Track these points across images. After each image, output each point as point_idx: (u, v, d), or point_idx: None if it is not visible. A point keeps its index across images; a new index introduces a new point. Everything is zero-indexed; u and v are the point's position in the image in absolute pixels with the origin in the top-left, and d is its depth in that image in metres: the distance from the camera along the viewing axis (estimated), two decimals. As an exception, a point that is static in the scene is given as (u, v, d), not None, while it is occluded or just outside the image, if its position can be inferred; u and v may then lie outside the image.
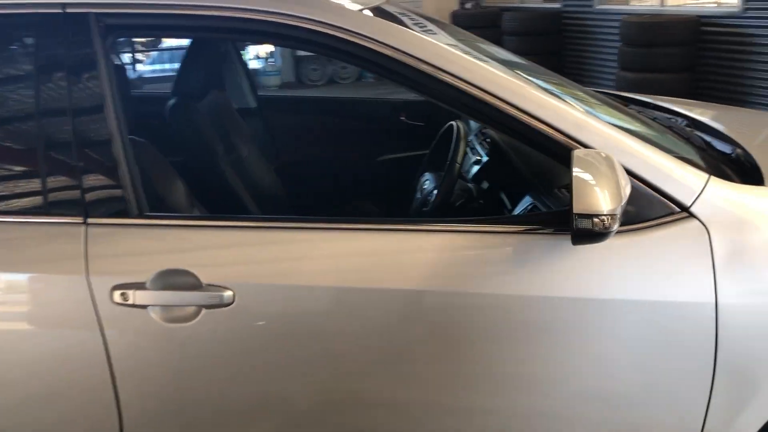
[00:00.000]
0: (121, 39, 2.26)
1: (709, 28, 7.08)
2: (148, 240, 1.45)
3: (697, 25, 7.06)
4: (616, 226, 1.26)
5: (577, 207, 1.25)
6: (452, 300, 1.42)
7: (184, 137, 2.29)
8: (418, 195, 1.92)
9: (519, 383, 1.47)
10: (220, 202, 2.09)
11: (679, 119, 2.19)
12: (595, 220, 1.24)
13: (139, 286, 1.40)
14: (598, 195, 1.25)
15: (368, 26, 1.48)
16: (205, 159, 2.26)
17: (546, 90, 1.56)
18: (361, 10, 1.61)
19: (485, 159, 2.06)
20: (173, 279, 1.40)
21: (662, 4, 7.72)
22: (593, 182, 1.26)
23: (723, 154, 1.84)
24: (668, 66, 6.97)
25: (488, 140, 2.15)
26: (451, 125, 2.08)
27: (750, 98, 6.78)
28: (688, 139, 1.87)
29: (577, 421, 1.50)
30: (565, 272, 1.42)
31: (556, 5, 9.08)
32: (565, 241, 1.40)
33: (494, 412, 1.50)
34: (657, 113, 2.22)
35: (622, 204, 1.27)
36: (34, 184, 1.46)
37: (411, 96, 2.85)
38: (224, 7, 1.47)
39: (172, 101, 2.31)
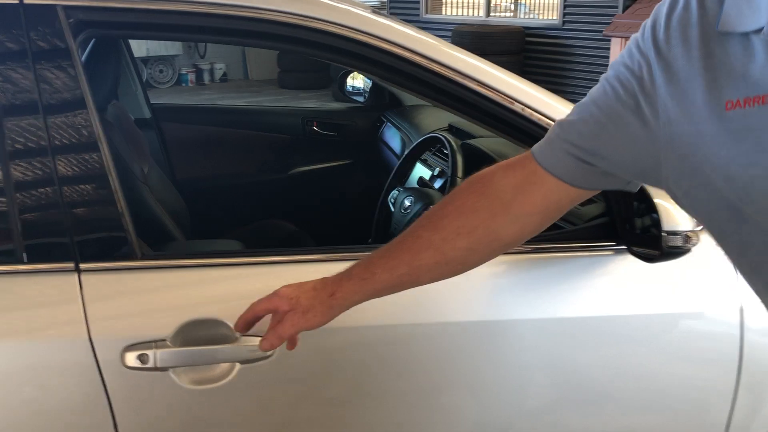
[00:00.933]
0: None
1: (532, 39, 7.57)
2: (161, 286, 1.18)
3: (522, 35, 7.52)
4: (698, 242, 1.23)
5: (667, 225, 1.20)
6: (521, 327, 1.31)
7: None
8: (401, 212, 1.78)
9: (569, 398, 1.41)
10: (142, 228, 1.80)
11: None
12: (686, 236, 1.20)
13: (160, 343, 1.14)
14: (679, 211, 1.21)
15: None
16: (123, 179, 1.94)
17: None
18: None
19: (449, 171, 1.95)
20: (201, 331, 1.15)
21: (487, 15, 8.13)
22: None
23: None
24: (500, 73, 7.33)
25: (446, 152, 2.06)
26: (437, 137, 1.96)
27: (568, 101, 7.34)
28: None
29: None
30: (611, 289, 1.37)
31: (382, 13, 9.21)
32: (604, 258, 1.36)
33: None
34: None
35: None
36: (4, 223, 1.13)
37: (322, 105, 2.68)
38: (234, 6, 1.24)
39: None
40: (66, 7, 1.19)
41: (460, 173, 1.69)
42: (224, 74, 11.00)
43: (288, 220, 2.60)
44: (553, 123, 1.35)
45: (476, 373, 1.33)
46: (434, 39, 1.41)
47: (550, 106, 1.36)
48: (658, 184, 0.89)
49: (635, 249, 1.30)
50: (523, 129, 1.35)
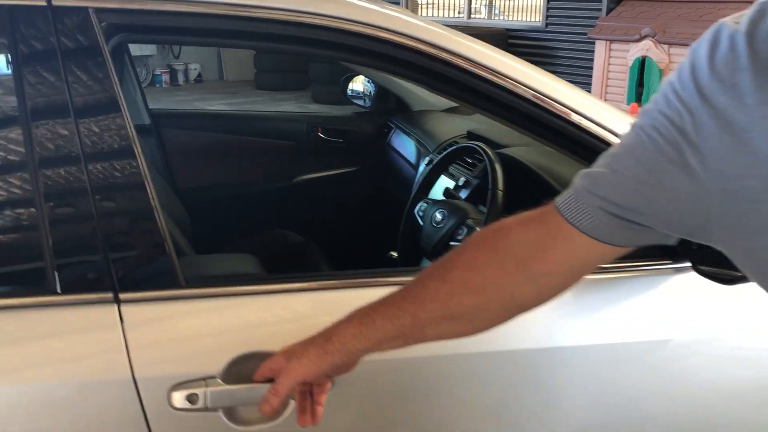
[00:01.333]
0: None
1: (515, 41, 7.55)
2: (209, 316, 1.07)
3: (504, 37, 7.49)
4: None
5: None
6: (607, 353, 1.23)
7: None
8: (432, 226, 1.69)
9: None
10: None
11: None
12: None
13: (210, 381, 1.03)
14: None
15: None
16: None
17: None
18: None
19: (475, 181, 1.87)
20: (253, 366, 1.04)
21: (468, 17, 8.09)
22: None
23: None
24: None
25: (470, 161, 1.98)
26: (470, 147, 1.86)
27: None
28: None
29: None
30: (671, 312, 1.30)
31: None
32: (664, 277, 1.30)
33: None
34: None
35: None
36: (35, 250, 1.02)
37: (302, 108, 2.58)
38: (281, 9, 1.14)
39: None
40: (98, 10, 1.08)
41: (500, 185, 1.60)
42: (199, 75, 10.82)
43: (293, 229, 2.50)
44: (612, 135, 1.29)
45: (522, 402, 1.25)
46: (482, 44, 1.33)
47: (609, 119, 1.28)
48: (708, 242, 0.81)
49: (705, 269, 1.23)
50: (582, 143, 1.27)
